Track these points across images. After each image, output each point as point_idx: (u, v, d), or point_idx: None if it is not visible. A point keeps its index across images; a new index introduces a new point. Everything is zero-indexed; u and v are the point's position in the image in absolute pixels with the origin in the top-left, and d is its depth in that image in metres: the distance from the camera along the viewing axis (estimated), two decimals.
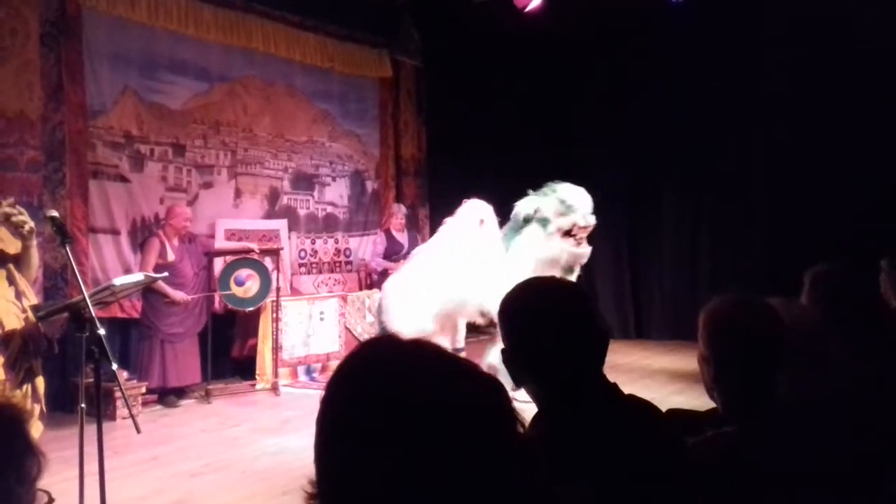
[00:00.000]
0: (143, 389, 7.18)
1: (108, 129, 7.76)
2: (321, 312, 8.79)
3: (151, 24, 7.92)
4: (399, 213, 9.72)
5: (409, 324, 6.92)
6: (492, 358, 6.12)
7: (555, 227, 6.84)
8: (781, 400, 1.98)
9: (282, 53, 9.28)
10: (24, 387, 4.09)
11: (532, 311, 1.76)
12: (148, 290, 7.16)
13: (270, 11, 9.05)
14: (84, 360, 3.76)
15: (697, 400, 3.84)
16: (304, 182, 9.91)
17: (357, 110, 10.63)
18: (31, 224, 4.17)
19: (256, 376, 8.30)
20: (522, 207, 7.02)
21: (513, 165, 10.46)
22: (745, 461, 1.84)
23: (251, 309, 8.22)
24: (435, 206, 11.16)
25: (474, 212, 7.46)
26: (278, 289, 8.22)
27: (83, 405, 3.78)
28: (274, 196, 9.49)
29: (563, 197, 6.91)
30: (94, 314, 3.70)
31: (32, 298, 4.30)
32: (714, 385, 2.03)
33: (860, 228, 8.09)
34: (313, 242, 9.98)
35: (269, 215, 9.39)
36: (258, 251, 8.22)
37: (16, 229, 4.14)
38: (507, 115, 10.98)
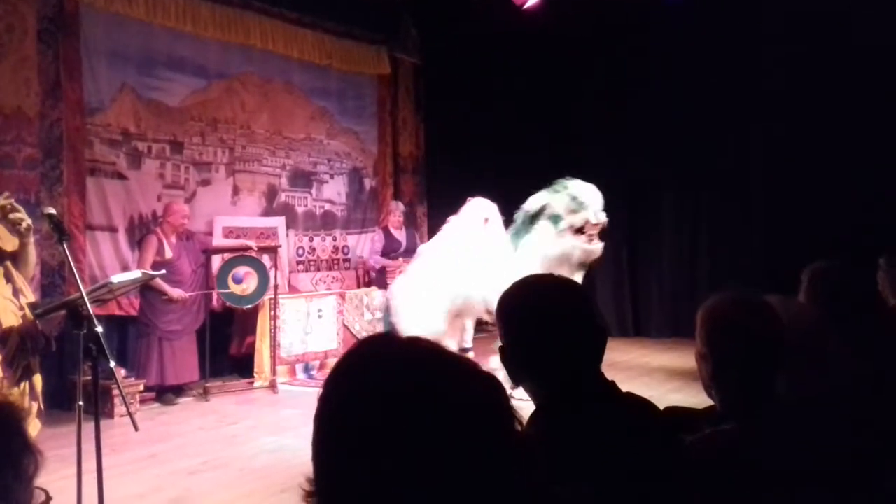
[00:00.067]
0: (141, 387, 7.18)
1: (105, 127, 7.75)
2: (319, 310, 8.79)
3: (149, 20, 7.90)
4: (397, 210, 9.72)
5: (420, 324, 6.90)
6: (493, 363, 6.10)
7: (566, 224, 6.76)
8: (780, 398, 1.98)
9: (280, 50, 9.27)
10: (22, 384, 4.09)
11: (530, 309, 1.76)
12: (146, 288, 7.16)
13: (268, 8, 9.04)
14: (82, 357, 3.76)
15: (696, 398, 3.83)
16: (302, 179, 9.90)
17: (355, 107, 10.63)
18: (28, 221, 4.16)
19: (254, 374, 8.30)
20: (533, 204, 6.95)
21: (511, 163, 10.47)
22: (744, 459, 1.84)
23: (249, 306, 8.21)
24: (433, 204, 11.17)
25: (479, 210, 7.44)
26: (276, 286, 8.21)
27: (81, 403, 3.77)
28: (272, 193, 9.48)
29: (574, 193, 6.82)
30: (91, 312, 3.69)
31: (30, 296, 4.29)
32: (712, 383, 2.03)
33: (859, 226, 8.09)
34: (311, 240, 9.98)
35: (267, 213, 9.39)
36: (256, 249, 8.21)
37: (13, 226, 4.13)
38: (506, 112, 10.97)
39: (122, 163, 7.91)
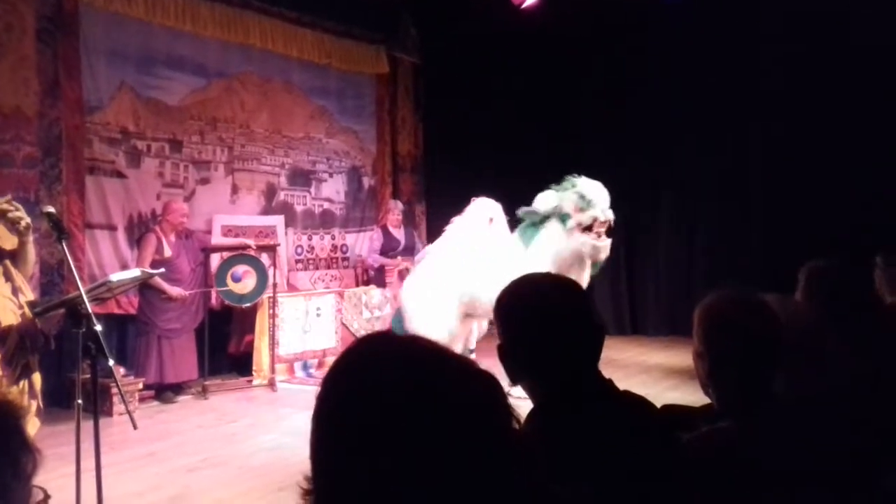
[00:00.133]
0: (140, 385, 7.18)
1: (104, 125, 7.75)
2: (318, 308, 8.79)
3: (149, 19, 7.90)
4: (396, 209, 9.73)
5: (434, 325, 6.91)
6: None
7: (574, 223, 6.74)
8: (778, 397, 1.98)
9: (279, 50, 9.27)
10: (21, 383, 4.09)
11: (528, 307, 1.77)
12: (145, 286, 7.17)
13: (268, 8, 9.03)
14: (81, 356, 3.76)
15: (693, 396, 3.85)
16: (301, 178, 9.91)
17: (354, 107, 10.63)
18: (27, 220, 4.16)
19: (253, 372, 8.30)
20: (542, 204, 6.92)
21: (510, 162, 10.47)
22: (743, 458, 1.84)
23: (248, 305, 8.22)
24: (431, 203, 11.17)
25: (483, 210, 7.43)
26: (275, 285, 8.22)
27: (80, 401, 3.78)
28: (271, 192, 9.48)
29: (582, 191, 6.80)
30: (90, 310, 3.70)
31: (29, 294, 4.30)
32: (709, 381, 2.03)
33: (857, 225, 8.08)
34: (310, 238, 9.98)
35: (266, 211, 9.39)
36: (255, 247, 8.21)
37: (12, 225, 4.14)
38: (505, 111, 10.97)
39: (122, 161, 7.91)
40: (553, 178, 7.12)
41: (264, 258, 8.29)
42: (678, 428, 1.91)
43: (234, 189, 9.06)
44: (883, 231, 6.53)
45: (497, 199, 7.53)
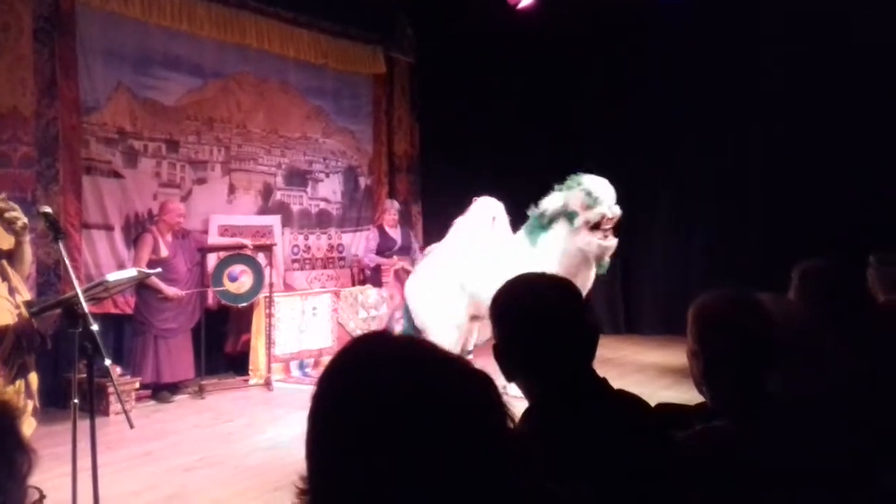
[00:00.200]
0: (137, 385, 7.17)
1: (101, 126, 7.74)
2: (314, 308, 8.79)
3: (145, 20, 7.89)
4: (392, 209, 9.73)
5: (443, 319, 6.89)
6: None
7: (582, 221, 6.68)
8: (776, 396, 1.99)
9: (276, 50, 9.26)
10: (18, 383, 4.09)
11: (523, 307, 1.77)
12: (141, 286, 7.16)
13: (264, 8, 9.02)
14: (77, 355, 3.76)
15: (688, 394, 3.85)
16: (298, 178, 9.90)
17: (351, 107, 10.62)
18: (24, 220, 4.16)
19: (249, 372, 8.30)
20: (551, 203, 6.86)
21: (508, 162, 10.47)
22: (740, 457, 1.85)
23: (244, 304, 8.22)
24: (428, 203, 11.17)
25: (486, 209, 7.43)
26: (271, 284, 8.23)
27: (76, 401, 3.78)
28: (267, 192, 9.48)
29: (588, 189, 6.73)
30: (87, 310, 3.70)
31: (25, 294, 4.29)
32: (703, 380, 2.03)
33: (856, 225, 8.09)
34: (306, 238, 9.98)
35: (263, 211, 9.39)
36: (251, 247, 8.21)
37: (9, 225, 4.13)
38: (502, 111, 10.95)
39: (118, 161, 7.90)
40: (553, 178, 7.08)
41: (261, 258, 8.29)
42: (673, 426, 1.91)
43: (231, 189, 9.05)
44: (882, 231, 6.53)
45: (496, 198, 7.53)
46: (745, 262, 9.52)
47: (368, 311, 9.22)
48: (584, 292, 6.97)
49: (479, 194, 7.62)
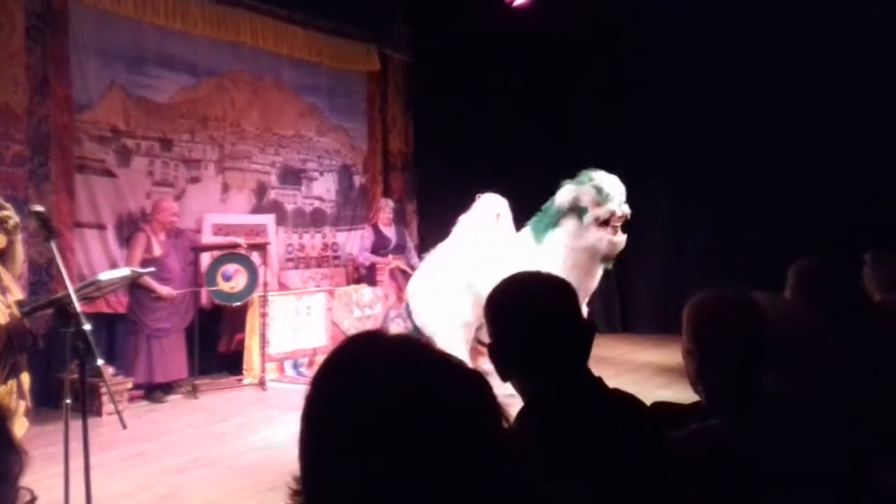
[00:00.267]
0: (130, 385, 7.16)
1: (94, 124, 7.72)
2: (308, 307, 8.78)
3: (138, 18, 7.87)
4: (386, 207, 9.71)
5: (447, 320, 6.87)
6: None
7: (592, 217, 6.61)
8: (774, 396, 1.98)
9: (270, 47, 9.25)
10: (9, 383, 4.07)
11: (518, 307, 1.77)
12: (134, 286, 7.14)
13: (258, 5, 9.01)
14: (69, 355, 3.75)
15: (683, 393, 3.85)
16: (292, 177, 9.89)
17: (345, 104, 10.61)
18: (15, 219, 4.15)
19: (243, 371, 8.29)
20: (562, 198, 6.78)
21: (503, 160, 10.45)
22: (738, 457, 1.85)
23: (238, 304, 8.20)
24: (422, 201, 11.16)
25: (490, 206, 7.41)
26: (265, 284, 8.21)
27: (68, 401, 3.77)
28: (261, 191, 9.46)
29: (599, 185, 6.66)
30: (79, 309, 3.68)
31: (17, 294, 4.28)
32: (698, 379, 2.03)
33: (855, 224, 8.08)
34: (301, 237, 9.96)
35: (257, 210, 9.37)
36: (245, 246, 8.20)
37: (0, 224, 4.12)
38: (496, 109, 10.93)
39: (111, 160, 7.88)
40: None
41: (255, 257, 8.28)
42: (668, 425, 1.91)
43: (225, 188, 9.03)
44: (881, 231, 6.52)
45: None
46: (743, 261, 9.51)
47: (363, 310, 9.21)
48: (591, 291, 6.98)
49: (476, 193, 7.60)
